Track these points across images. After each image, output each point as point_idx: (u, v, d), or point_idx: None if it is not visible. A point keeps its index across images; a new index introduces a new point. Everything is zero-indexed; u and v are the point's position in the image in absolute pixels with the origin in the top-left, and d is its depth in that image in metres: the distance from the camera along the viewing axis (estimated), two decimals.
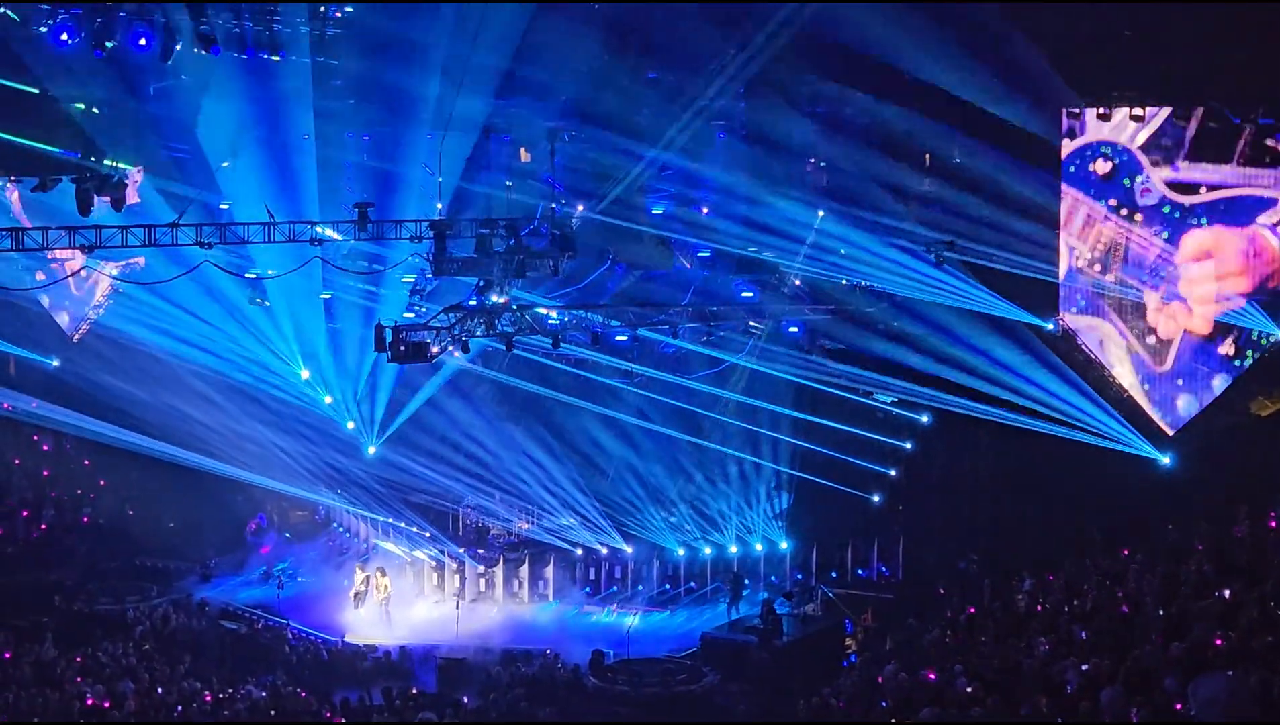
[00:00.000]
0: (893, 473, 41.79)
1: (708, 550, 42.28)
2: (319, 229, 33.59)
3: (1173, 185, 35.80)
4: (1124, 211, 36.30)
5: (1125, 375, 37.12)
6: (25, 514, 46.06)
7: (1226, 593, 20.67)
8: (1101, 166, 36.42)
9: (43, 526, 45.93)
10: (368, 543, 45.66)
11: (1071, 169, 36.55)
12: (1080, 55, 35.11)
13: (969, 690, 20.16)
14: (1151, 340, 36.81)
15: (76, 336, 42.74)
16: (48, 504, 46.94)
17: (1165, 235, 35.86)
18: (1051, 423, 36.92)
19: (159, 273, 37.36)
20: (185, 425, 42.78)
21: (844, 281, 40.08)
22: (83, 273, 37.90)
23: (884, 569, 42.11)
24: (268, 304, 41.70)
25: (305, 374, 42.45)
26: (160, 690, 31.34)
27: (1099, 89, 36.11)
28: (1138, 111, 35.64)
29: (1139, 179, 36.08)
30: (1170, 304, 36.38)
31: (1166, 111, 35.54)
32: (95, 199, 31.63)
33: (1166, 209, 35.80)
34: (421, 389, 42.35)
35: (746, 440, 41.57)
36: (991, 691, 19.44)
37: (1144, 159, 36.03)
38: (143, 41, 32.78)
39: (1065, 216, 36.88)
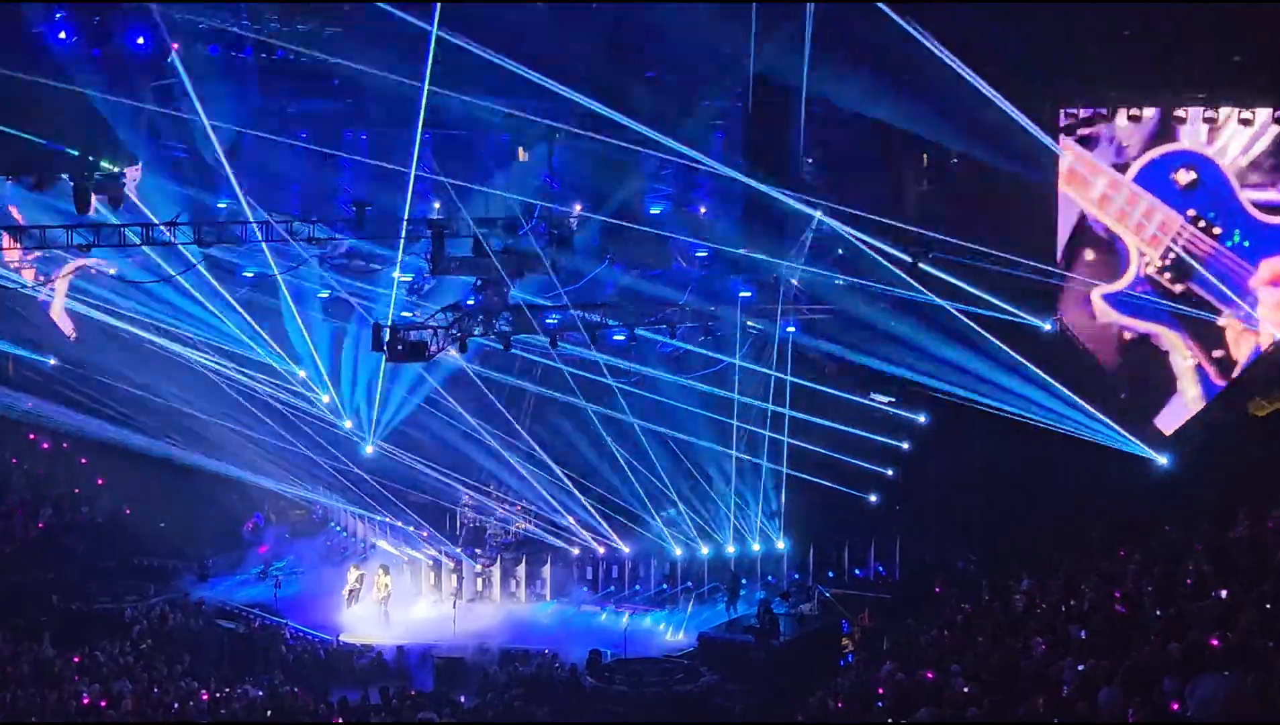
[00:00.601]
0: (890, 472, 41.73)
1: (705, 550, 42.28)
2: (316, 228, 33.64)
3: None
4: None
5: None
6: (23, 513, 46.06)
7: (1224, 593, 20.66)
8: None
9: (40, 526, 45.92)
10: (365, 542, 45.69)
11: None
12: (1080, 55, 35.15)
13: (966, 690, 20.14)
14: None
15: (73, 333, 42.65)
16: (45, 503, 46.94)
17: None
18: (1049, 423, 36.90)
19: (156, 271, 37.37)
20: (183, 424, 42.80)
21: (841, 282, 40.03)
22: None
23: (881, 569, 42.18)
24: (261, 305, 41.60)
25: (303, 373, 42.41)
26: (157, 690, 31.33)
27: (1097, 89, 36.18)
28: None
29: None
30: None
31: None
32: (93, 197, 31.66)
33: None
34: (419, 388, 42.32)
35: (745, 439, 41.52)
36: (989, 691, 19.42)
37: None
38: (140, 40, 32.82)
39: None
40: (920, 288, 36.82)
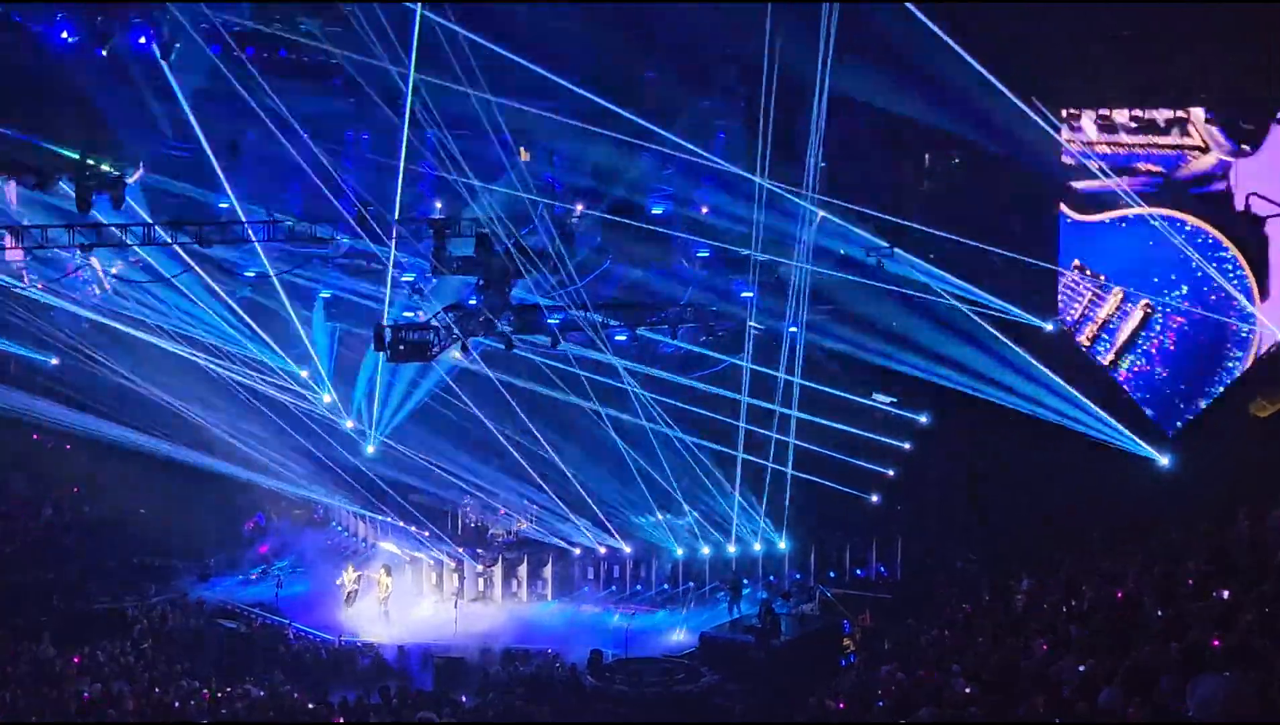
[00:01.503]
0: (891, 473, 41.72)
1: (706, 550, 42.29)
2: (319, 228, 33.67)
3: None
4: None
5: None
6: (23, 513, 46.08)
7: (1225, 593, 20.64)
8: None
9: (41, 525, 45.92)
10: (367, 542, 45.73)
11: None
12: (1079, 56, 35.12)
13: (967, 690, 20.13)
14: None
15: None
16: (46, 503, 46.95)
17: None
18: (1051, 423, 36.88)
19: (159, 270, 37.44)
20: (184, 424, 42.84)
21: (843, 280, 39.99)
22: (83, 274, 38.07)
23: (882, 569, 42.15)
24: (263, 305, 41.63)
25: (305, 373, 42.45)
26: (158, 690, 31.34)
27: (1097, 90, 36.14)
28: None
29: None
30: None
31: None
32: (95, 197, 31.70)
33: None
34: (421, 387, 42.36)
35: (746, 439, 41.52)
36: (989, 691, 19.40)
37: None
38: (143, 40, 32.83)
39: None
40: (925, 286, 36.84)
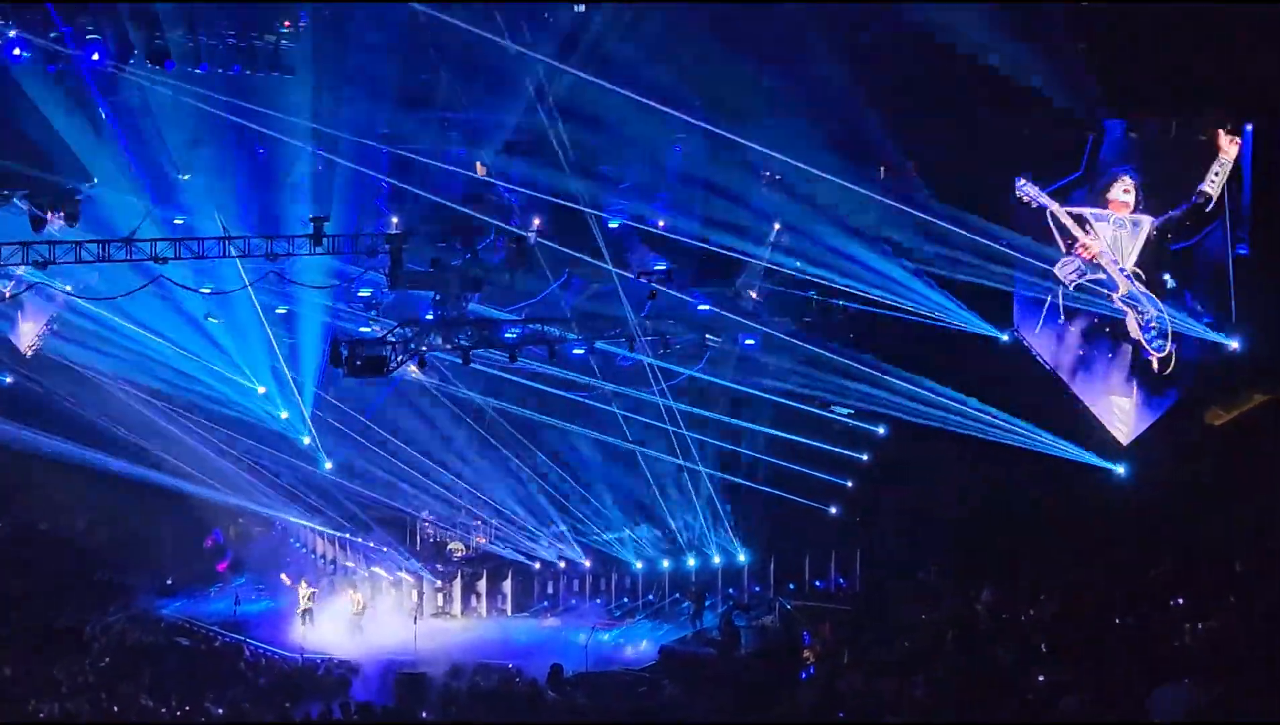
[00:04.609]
0: (849, 484, 41.74)
1: (666, 563, 42.31)
2: (275, 243, 33.59)
3: None
4: None
5: None
6: None
7: (1185, 601, 20.80)
8: None
9: None
10: (326, 558, 45.61)
11: None
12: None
13: (929, 699, 20.21)
14: None
15: (29, 350, 42.28)
16: (2, 519, 46.63)
17: None
18: (1006, 435, 36.95)
19: (114, 288, 37.19)
20: (142, 440, 42.64)
21: (799, 293, 40.05)
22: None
23: (841, 580, 42.16)
24: (220, 321, 41.40)
25: (262, 389, 42.30)
26: (117, 708, 31.18)
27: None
28: None
29: None
30: None
31: None
32: (49, 215, 31.54)
33: None
34: (378, 403, 42.27)
35: (703, 451, 41.55)
36: (952, 700, 19.48)
37: None
38: (96, 56, 32.65)
39: None
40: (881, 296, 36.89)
